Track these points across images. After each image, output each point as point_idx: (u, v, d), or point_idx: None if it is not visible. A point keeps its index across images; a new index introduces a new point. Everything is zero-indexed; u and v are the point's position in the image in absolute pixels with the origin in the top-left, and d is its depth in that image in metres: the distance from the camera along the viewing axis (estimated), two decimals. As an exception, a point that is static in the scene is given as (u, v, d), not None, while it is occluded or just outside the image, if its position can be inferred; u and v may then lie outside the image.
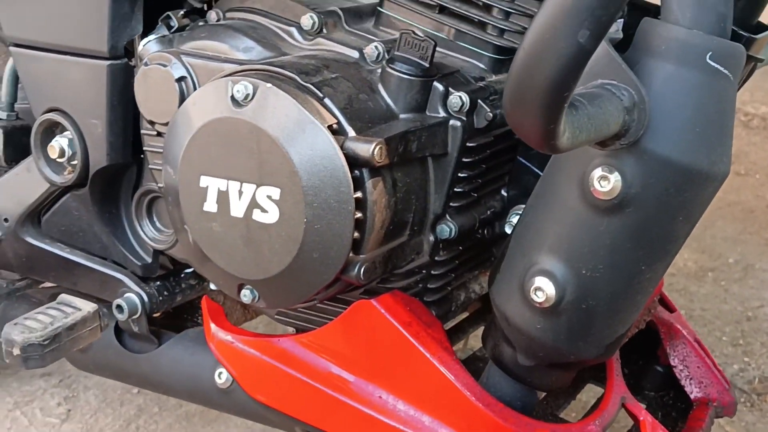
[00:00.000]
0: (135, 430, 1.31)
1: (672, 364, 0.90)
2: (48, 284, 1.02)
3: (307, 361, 0.74)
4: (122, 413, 1.33)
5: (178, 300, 0.95)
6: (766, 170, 2.43)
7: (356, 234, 0.69)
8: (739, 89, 0.68)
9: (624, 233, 0.62)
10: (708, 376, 0.89)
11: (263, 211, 0.70)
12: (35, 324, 0.77)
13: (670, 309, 0.94)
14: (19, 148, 0.92)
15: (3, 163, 0.92)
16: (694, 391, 0.89)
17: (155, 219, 0.90)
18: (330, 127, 0.67)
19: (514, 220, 0.79)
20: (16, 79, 0.92)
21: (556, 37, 0.43)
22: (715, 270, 1.83)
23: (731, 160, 0.62)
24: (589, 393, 0.95)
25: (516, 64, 0.46)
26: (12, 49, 0.87)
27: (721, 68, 0.58)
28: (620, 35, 0.79)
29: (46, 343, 0.76)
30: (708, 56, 0.58)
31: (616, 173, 0.59)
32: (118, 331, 0.95)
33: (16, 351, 0.75)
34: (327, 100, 0.68)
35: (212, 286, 0.93)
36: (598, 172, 0.60)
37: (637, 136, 0.58)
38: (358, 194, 0.68)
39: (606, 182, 0.60)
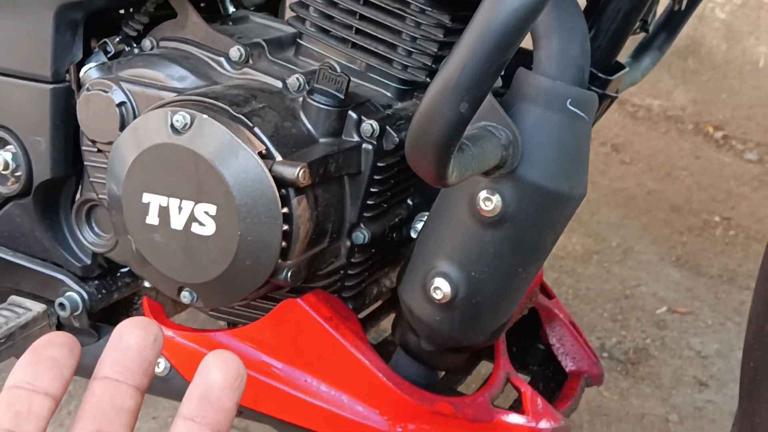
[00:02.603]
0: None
1: (551, 342, 1.06)
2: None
3: (241, 351, 0.86)
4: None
5: (115, 297, 1.04)
6: (648, 159, 2.66)
7: (284, 243, 0.80)
8: (594, 124, 0.83)
9: (504, 243, 0.76)
10: (580, 352, 1.05)
11: (201, 224, 0.80)
12: (-10, 325, 0.85)
13: (550, 296, 1.09)
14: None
15: (-54, 174, 0.98)
16: (568, 365, 1.05)
17: (94, 225, 0.98)
18: (260, 153, 0.78)
19: (419, 225, 0.92)
20: (-44, 95, 0.98)
21: (443, 106, 0.55)
22: (599, 252, 2.03)
23: (587, 184, 0.77)
24: (484, 368, 1.11)
25: (414, 123, 0.58)
26: (-44, 70, 0.93)
27: (579, 112, 0.73)
28: (499, 83, 0.93)
29: (2, 341, 0.84)
30: (568, 102, 0.72)
31: (497, 195, 0.73)
32: (59, 327, 1.03)
33: (-27, 350, 0.83)
34: (256, 129, 0.79)
35: (147, 284, 1.02)
36: (483, 194, 0.74)
37: (513, 166, 0.72)
38: (285, 210, 0.79)
39: (489, 202, 0.74)
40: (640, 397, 1.53)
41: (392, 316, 1.05)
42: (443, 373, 0.98)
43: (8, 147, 0.93)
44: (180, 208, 0.80)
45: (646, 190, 2.42)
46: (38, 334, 0.90)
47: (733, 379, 1.57)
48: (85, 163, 0.92)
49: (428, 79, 0.88)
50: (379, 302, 1.13)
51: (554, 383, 1.06)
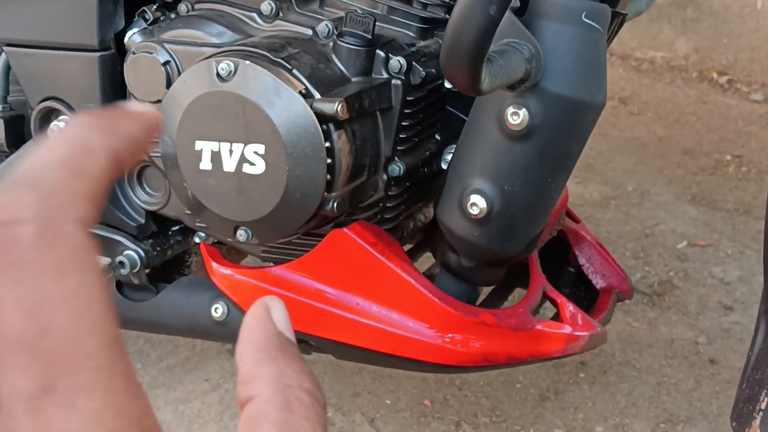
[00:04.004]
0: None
1: (580, 263, 1.12)
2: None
3: (296, 282, 0.92)
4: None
5: (169, 254, 1.11)
6: (656, 108, 2.71)
7: (328, 176, 0.86)
8: (611, 41, 0.89)
9: (532, 155, 0.82)
10: (609, 269, 1.12)
11: (251, 164, 0.86)
12: (63, 278, 0.91)
13: (576, 220, 1.15)
14: (17, 135, 1.05)
15: (5, 149, 1.05)
16: (599, 283, 1.11)
17: (145, 185, 1.05)
18: (300, 92, 0.84)
19: (448, 157, 0.99)
20: (7, 75, 1.05)
21: (474, 11, 0.62)
22: (616, 198, 2.09)
23: (607, 92, 0.83)
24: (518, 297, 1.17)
25: (447, 32, 0.65)
26: (7, 48, 1.00)
27: (594, 24, 0.79)
28: (518, 4, 0.98)
29: (75, 292, 0.90)
30: (583, 15, 0.78)
31: (524, 109, 0.79)
32: (119, 286, 1.10)
33: (50, 301, 0.90)
34: (295, 71, 0.86)
35: (196, 240, 1.09)
36: (510, 110, 0.80)
37: (536, 79, 0.78)
38: (328, 144, 0.85)
39: (516, 117, 0.80)
40: (668, 324, 1.59)
41: (425, 257, 1.12)
42: (483, 297, 1.05)
43: (62, 117, 1.00)
44: (231, 151, 0.87)
45: (657, 137, 2.48)
46: (106, 284, 0.97)
47: (758, 301, 1.63)
48: (134, 124, 0.99)
49: (447, 16, 0.94)
50: (412, 244, 1.19)
51: (587, 302, 1.12)
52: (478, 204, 0.85)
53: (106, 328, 0.20)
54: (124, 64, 0.94)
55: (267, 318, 0.26)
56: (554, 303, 0.98)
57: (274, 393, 0.24)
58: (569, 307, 0.96)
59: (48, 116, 1.01)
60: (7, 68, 1.04)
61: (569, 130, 0.81)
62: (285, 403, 0.24)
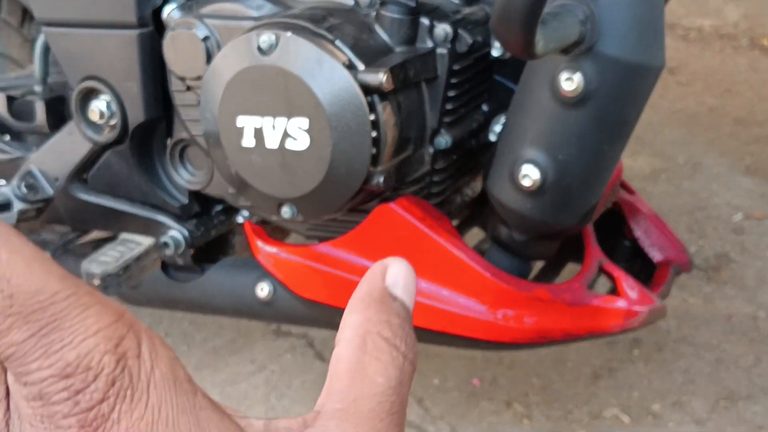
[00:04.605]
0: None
1: (636, 236, 1.08)
2: (88, 239, 1.16)
3: (342, 259, 0.90)
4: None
5: (212, 234, 1.10)
6: (705, 78, 2.62)
7: (373, 150, 0.84)
8: (667, 1, 0.84)
9: (588, 122, 0.78)
10: (666, 242, 1.07)
11: (295, 139, 0.84)
12: (108, 258, 0.91)
13: (630, 192, 1.11)
14: (58, 115, 1.04)
15: (47, 130, 1.04)
16: (656, 256, 1.07)
17: (188, 164, 1.04)
18: (344, 64, 0.81)
19: (497, 128, 0.95)
20: (47, 56, 1.04)
21: (529, -31, 0.58)
22: (667, 171, 2.03)
23: (665, 55, 0.78)
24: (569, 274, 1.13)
25: (500, -8, 0.61)
26: (46, 29, 0.99)
27: (652, -18, 0.74)
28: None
29: (121, 273, 0.90)
30: (640, -27, 0.74)
31: (579, 73, 0.75)
32: (164, 267, 1.09)
33: (96, 282, 0.89)
34: (338, 42, 0.83)
35: (239, 220, 1.08)
36: (564, 75, 0.76)
37: (591, 42, 0.74)
38: (372, 116, 0.82)
39: (570, 82, 0.76)
40: (725, 299, 1.54)
41: (471, 232, 1.09)
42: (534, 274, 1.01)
43: (102, 96, 0.99)
44: (273, 127, 0.84)
45: (707, 107, 2.39)
46: (151, 265, 0.96)
47: (819, 275, 1.56)
48: (176, 103, 0.97)
49: (494, -20, 0.90)
50: (459, 220, 1.16)
51: (644, 275, 1.08)
52: (530, 175, 0.81)
53: None
54: (163, 41, 0.93)
55: (378, 273, 0.27)
56: (611, 277, 0.95)
57: (354, 337, 0.25)
58: (628, 282, 0.92)
59: (88, 96, 1.00)
60: (47, 49, 1.03)
61: (626, 95, 0.77)
62: (361, 344, 0.25)
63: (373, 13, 0.88)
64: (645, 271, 1.08)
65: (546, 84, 0.78)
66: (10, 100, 1.05)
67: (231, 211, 1.08)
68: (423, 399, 1.34)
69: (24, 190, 1.05)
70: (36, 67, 1.04)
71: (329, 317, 0.93)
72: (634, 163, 2.03)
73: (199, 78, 0.91)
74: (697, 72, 2.66)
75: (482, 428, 1.26)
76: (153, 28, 0.95)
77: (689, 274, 1.58)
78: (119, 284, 0.90)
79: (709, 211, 1.83)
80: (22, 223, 1.06)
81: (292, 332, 1.52)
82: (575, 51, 0.74)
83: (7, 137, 1.08)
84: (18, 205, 1.04)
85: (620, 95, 0.77)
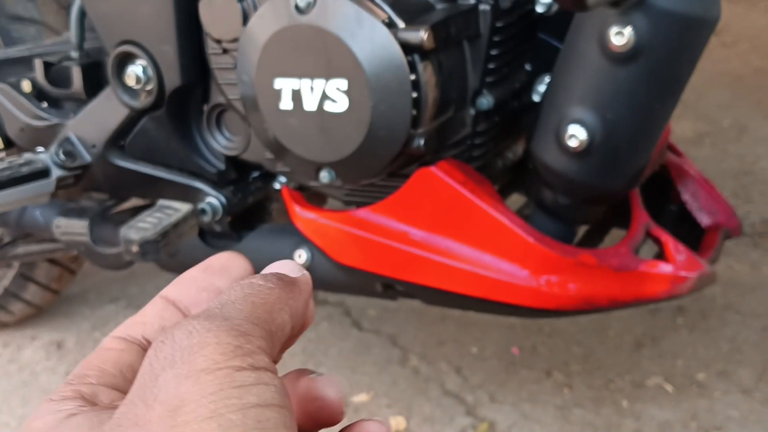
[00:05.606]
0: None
1: (684, 200, 1.05)
2: (126, 206, 1.16)
3: (382, 224, 0.88)
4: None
5: (249, 201, 1.09)
6: (750, 39, 2.53)
7: (414, 111, 0.81)
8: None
9: (639, 78, 0.75)
10: (715, 205, 1.03)
11: (333, 101, 0.82)
12: (147, 225, 0.90)
13: (678, 154, 1.07)
14: (94, 81, 1.03)
15: (83, 96, 1.03)
16: (704, 220, 1.03)
17: (224, 129, 1.03)
18: (383, 21, 0.79)
19: (541, 88, 0.92)
20: (83, 21, 1.03)
21: None
22: (711, 134, 1.97)
23: (720, 6, 0.74)
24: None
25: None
26: (81, -7, 0.97)
27: (708, -72, 0.70)
28: None
29: (159, 239, 0.89)
30: None
31: (629, 27, 0.72)
32: (201, 234, 1.08)
33: (135, 248, 0.89)
34: (377, -1, 0.80)
35: (276, 186, 1.07)
36: (614, 29, 0.73)
37: (644, -7, 0.70)
38: (413, 76, 0.80)
39: (621, 36, 0.73)
40: (773, 266, 1.49)
41: (511, 198, 1.06)
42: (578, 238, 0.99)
43: (138, 61, 0.98)
44: (312, 89, 0.82)
45: (753, 69, 2.31)
46: (189, 231, 0.96)
47: None
48: (212, 67, 0.96)
49: (539, -67, 0.86)
50: (500, 185, 1.14)
51: (692, 240, 1.05)
52: (577, 135, 0.79)
53: None
54: (199, 3, 0.91)
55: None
56: (658, 242, 0.92)
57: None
58: (676, 246, 0.89)
59: (124, 61, 0.99)
60: (83, 14, 1.02)
61: (680, 50, 0.74)
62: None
63: (413, -30, 0.85)
64: (693, 235, 1.05)
65: (594, 39, 0.75)
66: (47, 66, 1.04)
67: (268, 177, 1.06)
68: (461, 368, 1.32)
69: (62, 156, 1.04)
70: (72, 33, 1.03)
71: (367, 284, 0.92)
72: (677, 126, 1.98)
73: (235, 40, 0.89)
74: (742, 33, 2.58)
75: (522, 397, 1.25)
76: (188, -10, 0.93)
77: (735, 240, 1.54)
78: (157, 251, 0.90)
79: (756, 175, 1.78)
80: (60, 190, 1.06)
81: (329, 300, 1.52)
82: (626, 3, 0.71)
83: (45, 104, 1.08)
84: (56, 172, 1.04)
85: (673, 50, 0.73)
